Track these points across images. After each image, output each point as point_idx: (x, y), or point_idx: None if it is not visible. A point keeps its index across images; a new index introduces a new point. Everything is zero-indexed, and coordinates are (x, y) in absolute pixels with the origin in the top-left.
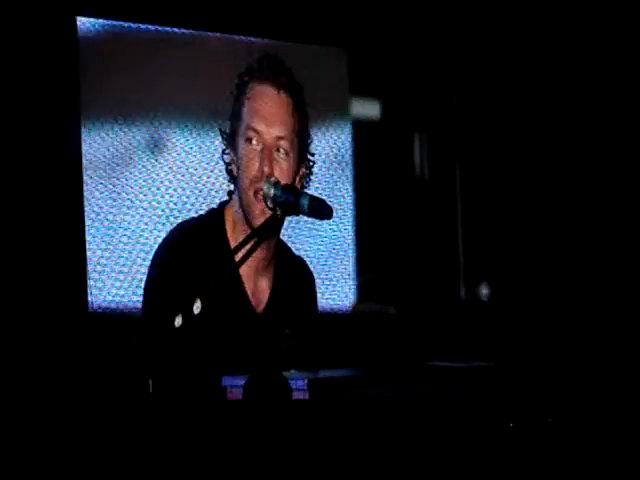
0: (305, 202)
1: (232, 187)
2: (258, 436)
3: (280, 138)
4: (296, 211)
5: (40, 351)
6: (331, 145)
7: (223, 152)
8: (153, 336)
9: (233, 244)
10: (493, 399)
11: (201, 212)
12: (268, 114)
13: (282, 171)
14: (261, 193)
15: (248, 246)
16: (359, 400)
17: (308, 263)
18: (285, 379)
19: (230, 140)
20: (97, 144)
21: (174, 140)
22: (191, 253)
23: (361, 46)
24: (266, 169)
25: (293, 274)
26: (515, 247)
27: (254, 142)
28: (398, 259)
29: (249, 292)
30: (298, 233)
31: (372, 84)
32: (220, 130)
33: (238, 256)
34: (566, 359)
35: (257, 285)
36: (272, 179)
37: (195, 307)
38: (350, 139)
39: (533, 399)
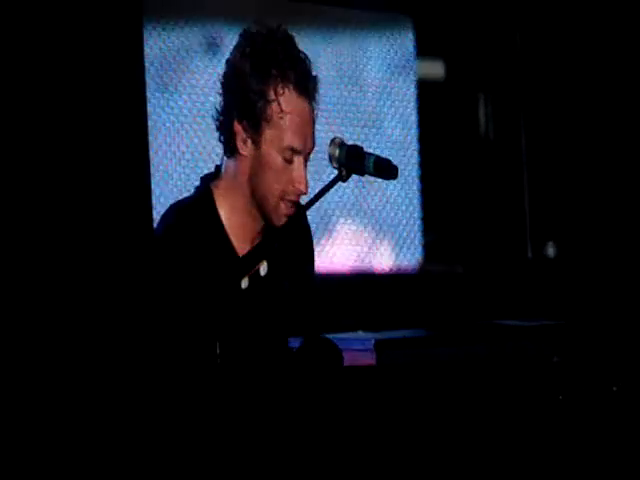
0: (370, 162)
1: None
2: (323, 401)
3: (309, 152)
4: (361, 171)
5: (106, 308)
6: (396, 105)
7: (222, 116)
8: (220, 298)
9: (231, 228)
10: (563, 359)
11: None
12: (306, 133)
13: (307, 183)
14: (288, 198)
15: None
16: (426, 361)
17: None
18: (334, 345)
19: (251, 128)
20: (157, 46)
21: (227, 42)
22: (186, 244)
23: (426, 12)
24: (302, 188)
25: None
26: (582, 206)
27: (293, 159)
28: (464, 219)
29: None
30: (365, 194)
31: (437, 44)
32: (228, 100)
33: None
34: (635, 319)
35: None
36: (337, 139)
37: (262, 269)
38: (415, 99)
39: (601, 361)
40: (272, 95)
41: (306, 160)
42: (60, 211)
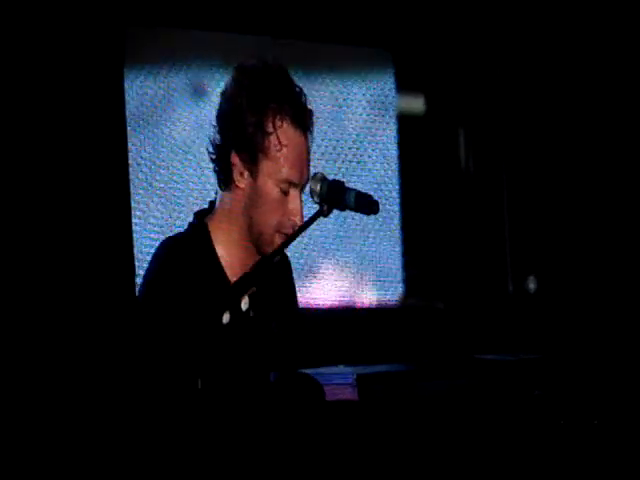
0: (351, 197)
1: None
2: (304, 433)
3: (304, 185)
4: (342, 206)
5: (90, 351)
6: (377, 140)
7: (218, 149)
8: (200, 334)
9: (228, 263)
10: (544, 393)
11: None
12: (302, 166)
13: (302, 214)
14: (284, 231)
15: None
16: (407, 395)
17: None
18: (313, 379)
19: (248, 160)
20: (138, 92)
21: (214, 85)
22: (182, 277)
23: (405, 47)
24: (297, 220)
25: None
26: (562, 240)
27: (290, 191)
28: (445, 253)
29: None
30: (346, 229)
31: (417, 79)
32: (224, 133)
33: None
34: (613, 353)
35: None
36: (318, 175)
37: (243, 303)
38: (395, 134)
39: (581, 394)
40: (270, 128)
41: (301, 192)
42: (41, 244)
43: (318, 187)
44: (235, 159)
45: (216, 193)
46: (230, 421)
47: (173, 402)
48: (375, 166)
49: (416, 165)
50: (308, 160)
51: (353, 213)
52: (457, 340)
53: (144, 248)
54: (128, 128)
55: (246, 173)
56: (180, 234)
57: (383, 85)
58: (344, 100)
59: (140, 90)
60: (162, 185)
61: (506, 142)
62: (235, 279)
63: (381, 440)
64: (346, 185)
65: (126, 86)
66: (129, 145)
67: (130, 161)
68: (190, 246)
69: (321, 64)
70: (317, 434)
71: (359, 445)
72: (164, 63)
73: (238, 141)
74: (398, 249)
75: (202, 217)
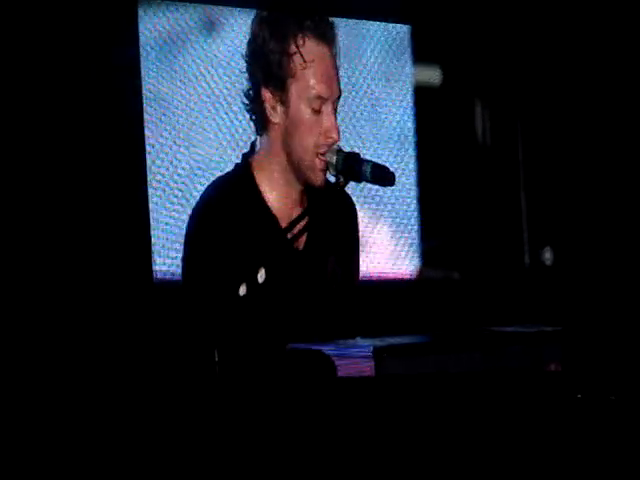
0: (367, 169)
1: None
2: (327, 402)
3: (336, 99)
4: (358, 178)
5: (105, 322)
6: (393, 112)
7: (250, 91)
8: (218, 305)
9: (271, 201)
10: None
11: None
12: (331, 79)
13: (338, 131)
14: (322, 155)
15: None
16: (424, 368)
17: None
18: (323, 354)
19: (278, 90)
20: (153, 25)
21: (229, 21)
22: (227, 217)
23: (423, 18)
24: (334, 135)
25: (329, 204)
26: (579, 211)
27: (322, 109)
28: (462, 225)
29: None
30: (362, 201)
31: (434, 50)
32: (253, 72)
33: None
34: (631, 325)
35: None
36: (335, 147)
37: (259, 276)
38: (412, 105)
39: (598, 367)
40: (293, 49)
41: (334, 108)
42: (59, 210)
43: (334, 159)
44: (266, 94)
45: (255, 137)
46: (246, 394)
47: (189, 375)
48: (392, 138)
49: (432, 137)
50: (337, 73)
51: (369, 184)
52: (473, 312)
53: (157, 184)
54: (142, 64)
55: (278, 106)
56: (226, 174)
57: (400, 55)
58: (360, 73)
59: (154, 26)
60: (175, 121)
61: (523, 113)
62: (279, 214)
63: (396, 415)
64: (362, 157)
65: (140, 22)
66: (143, 81)
67: (144, 96)
68: (235, 185)
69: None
70: (329, 410)
71: (373, 421)
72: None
73: (265, 74)
74: (414, 221)
75: (246, 157)
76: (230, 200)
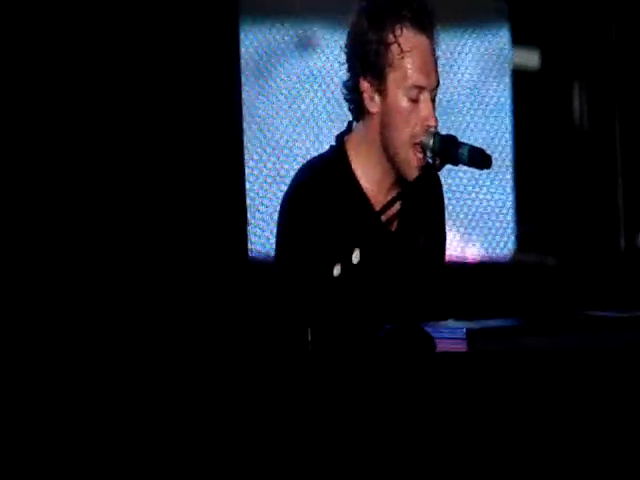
0: (464, 152)
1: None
2: (413, 388)
3: (435, 88)
4: (455, 161)
5: (199, 301)
6: (490, 94)
7: (349, 81)
8: (312, 285)
9: (365, 184)
10: None
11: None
12: (429, 69)
13: (436, 120)
14: (420, 146)
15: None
16: (518, 350)
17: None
18: (424, 331)
19: (376, 79)
20: (254, 44)
21: (323, 41)
22: (321, 197)
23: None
24: (432, 123)
25: (419, 183)
26: None
27: (419, 98)
28: (557, 209)
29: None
30: (458, 182)
31: (532, 33)
32: (352, 63)
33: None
34: None
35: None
36: (431, 129)
37: (354, 257)
38: (510, 88)
39: None
40: (391, 38)
41: (433, 99)
42: (152, 197)
43: (430, 141)
44: (364, 84)
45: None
46: (339, 372)
47: (283, 354)
48: (488, 120)
49: (530, 120)
50: (435, 62)
51: (465, 167)
52: (568, 296)
53: (257, 197)
54: (242, 79)
55: (376, 96)
56: (320, 155)
57: (498, 39)
58: (458, 54)
59: (255, 41)
60: (275, 136)
61: (621, 97)
62: (372, 198)
63: (486, 392)
64: (459, 140)
65: (241, 36)
66: (243, 95)
67: (244, 111)
68: (329, 167)
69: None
70: (426, 384)
71: (464, 399)
72: (279, 14)
73: (364, 65)
74: (510, 204)
75: (342, 138)
76: (324, 181)
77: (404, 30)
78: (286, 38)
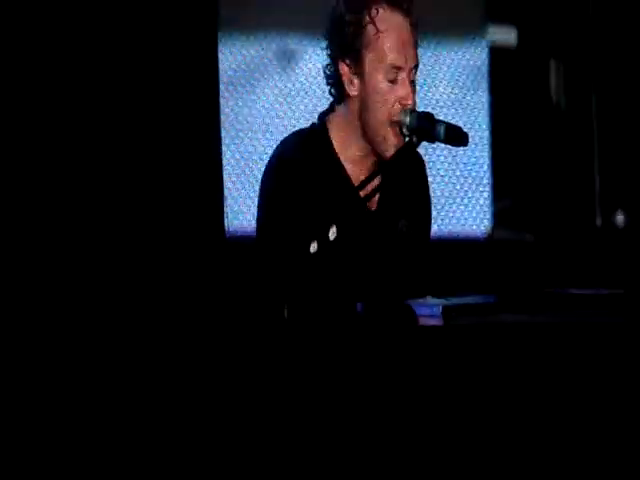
0: (441, 129)
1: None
2: (391, 362)
3: (414, 67)
4: (432, 138)
5: (176, 278)
6: (467, 71)
7: (329, 66)
8: (288, 261)
9: (345, 162)
10: (629, 327)
11: None
12: (406, 47)
13: (414, 99)
14: (395, 119)
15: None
16: (492, 326)
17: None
18: (407, 306)
19: (354, 61)
20: (232, 58)
21: (305, 53)
22: (301, 171)
23: None
24: (410, 102)
25: (401, 163)
26: None
27: (397, 78)
28: (534, 186)
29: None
30: (435, 160)
31: (509, 9)
32: (332, 47)
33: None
34: None
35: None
36: (408, 107)
37: (331, 233)
38: (487, 65)
39: None
40: (366, 19)
41: (411, 79)
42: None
43: (407, 119)
44: (343, 68)
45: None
46: (316, 348)
47: (260, 330)
48: (465, 98)
49: (506, 97)
50: (413, 41)
51: (442, 144)
52: (544, 273)
53: (235, 207)
54: (221, 92)
55: (355, 79)
56: (301, 129)
57: (474, 11)
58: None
59: (234, 56)
60: (252, 149)
61: (597, 75)
62: (352, 175)
63: (461, 367)
64: (436, 117)
65: (220, 51)
66: (222, 108)
67: (223, 124)
68: (310, 142)
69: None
70: (403, 359)
71: (440, 375)
72: (258, 29)
73: (342, 48)
74: (487, 182)
75: (323, 117)
76: (305, 155)
77: (380, 10)
78: (266, 53)
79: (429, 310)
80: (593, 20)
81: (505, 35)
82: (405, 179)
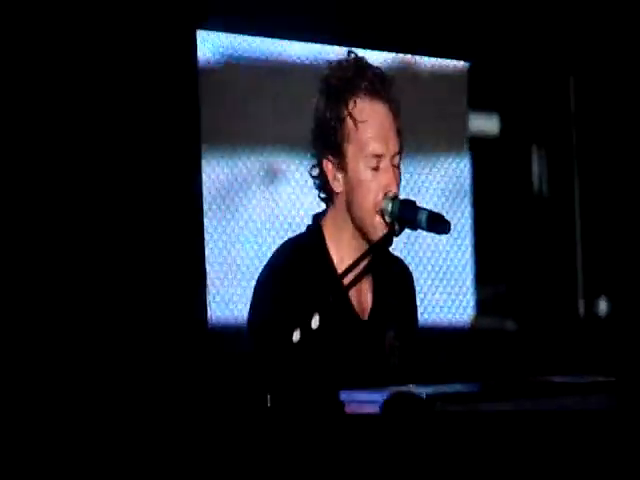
0: (423, 217)
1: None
2: (379, 450)
3: (396, 154)
4: (414, 226)
5: (159, 367)
6: (449, 161)
7: (314, 168)
8: (271, 350)
9: (338, 260)
10: (612, 415)
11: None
12: (386, 136)
13: (398, 185)
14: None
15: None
16: (476, 414)
17: (411, 268)
18: (420, 398)
19: (337, 156)
20: (215, 173)
21: (288, 170)
22: (296, 274)
23: (481, 59)
24: (393, 190)
25: (391, 274)
26: (635, 263)
27: (379, 166)
28: (517, 274)
29: (354, 302)
30: (417, 248)
31: (490, 98)
32: (316, 146)
33: (345, 271)
34: None
35: (359, 291)
36: (390, 194)
37: (313, 322)
38: (468, 155)
39: None
40: (344, 112)
41: (396, 164)
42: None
43: (390, 206)
44: (327, 165)
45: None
46: (298, 438)
47: (241, 418)
48: (448, 186)
49: (489, 185)
50: (395, 127)
51: (424, 232)
52: (527, 361)
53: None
54: (205, 209)
55: (339, 174)
56: (298, 236)
57: (456, 103)
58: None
59: (218, 171)
60: (237, 264)
61: (580, 162)
62: (347, 280)
63: (447, 456)
64: (417, 204)
65: (204, 167)
66: (206, 225)
67: (207, 240)
68: (305, 248)
69: None
70: (380, 445)
71: (426, 461)
72: (241, 145)
73: (324, 144)
74: (470, 269)
75: (318, 219)
76: (300, 265)
77: (357, 101)
78: (249, 168)
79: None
80: (574, 108)
81: (486, 123)
82: (394, 291)
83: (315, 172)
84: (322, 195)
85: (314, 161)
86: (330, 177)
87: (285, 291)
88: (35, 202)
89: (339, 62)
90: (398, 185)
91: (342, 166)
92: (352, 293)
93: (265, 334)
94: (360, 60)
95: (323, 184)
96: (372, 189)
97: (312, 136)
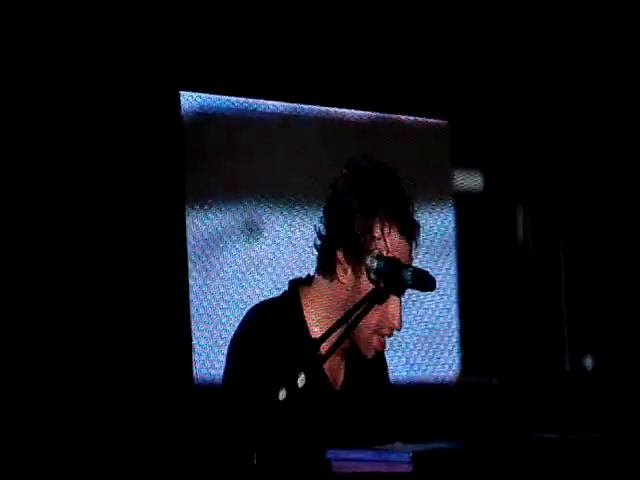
0: (408, 274)
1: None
2: None
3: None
4: (399, 283)
5: (145, 426)
6: (434, 217)
7: (323, 238)
8: (257, 409)
9: (313, 331)
10: (600, 472)
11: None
12: None
13: (400, 318)
14: (382, 332)
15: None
16: (462, 471)
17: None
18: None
19: (354, 259)
20: (199, 225)
21: (270, 223)
22: (272, 336)
23: (463, 118)
24: (396, 323)
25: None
26: (620, 319)
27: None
28: (502, 331)
29: (327, 372)
30: (402, 304)
31: (474, 155)
32: (331, 227)
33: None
34: None
35: (333, 362)
36: (375, 252)
37: (299, 380)
38: (453, 212)
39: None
40: (378, 233)
41: (400, 299)
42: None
43: (375, 264)
44: (340, 256)
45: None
46: None
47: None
48: (433, 243)
49: (474, 241)
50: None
51: (409, 290)
52: (513, 418)
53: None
54: (189, 262)
55: (349, 270)
56: (271, 299)
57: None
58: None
59: (201, 226)
60: (220, 317)
61: (565, 219)
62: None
63: None
64: (402, 262)
65: (188, 221)
66: (190, 281)
67: (190, 294)
68: (280, 313)
69: None
70: None
71: None
72: (224, 199)
73: (345, 239)
74: (455, 325)
75: (297, 285)
76: (274, 327)
77: (392, 232)
78: (232, 223)
79: (398, 456)
80: (559, 166)
81: (470, 181)
82: (368, 372)
83: (322, 244)
84: (321, 264)
85: (324, 229)
86: (339, 267)
87: (264, 350)
88: (19, 259)
89: (374, 166)
90: (400, 319)
91: (355, 270)
92: (326, 365)
93: (248, 392)
94: (394, 178)
95: (328, 263)
96: (377, 312)
97: (329, 217)
